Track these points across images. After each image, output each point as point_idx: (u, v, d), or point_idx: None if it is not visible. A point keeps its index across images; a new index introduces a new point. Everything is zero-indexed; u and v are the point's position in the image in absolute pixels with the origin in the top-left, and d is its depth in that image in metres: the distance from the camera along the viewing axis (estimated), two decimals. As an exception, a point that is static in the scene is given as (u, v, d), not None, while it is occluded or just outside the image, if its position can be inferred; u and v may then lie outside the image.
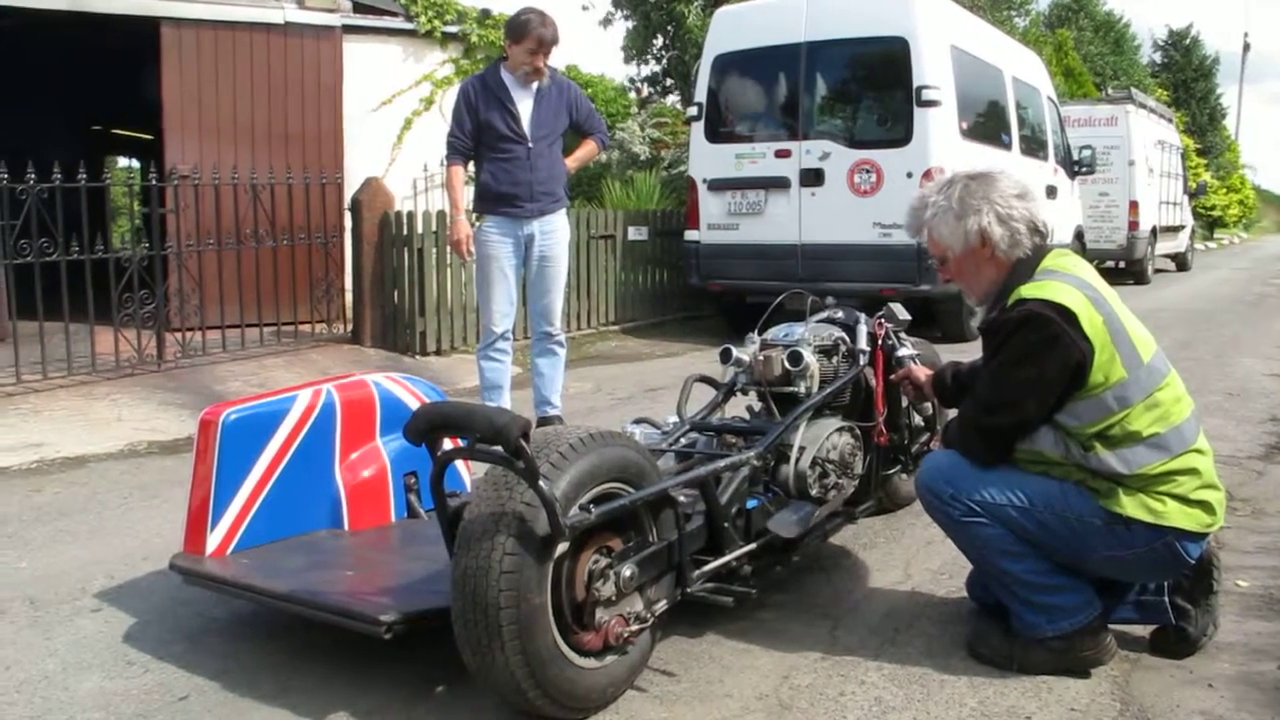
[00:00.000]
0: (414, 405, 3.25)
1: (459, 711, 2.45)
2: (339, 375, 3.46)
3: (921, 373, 3.26)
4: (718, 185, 8.95)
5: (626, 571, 2.38)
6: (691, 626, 2.87)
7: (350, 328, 8.17)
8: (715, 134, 9.11)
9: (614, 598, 2.36)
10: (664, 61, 15.94)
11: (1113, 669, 2.62)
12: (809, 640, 2.83)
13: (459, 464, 3.39)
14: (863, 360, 3.36)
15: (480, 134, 4.97)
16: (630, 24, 15.93)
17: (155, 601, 3.14)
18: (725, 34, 9.13)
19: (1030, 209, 2.66)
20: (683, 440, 3.23)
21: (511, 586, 2.18)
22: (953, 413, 3.09)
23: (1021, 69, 10.39)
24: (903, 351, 3.40)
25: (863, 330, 3.41)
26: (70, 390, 6.07)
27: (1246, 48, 41.63)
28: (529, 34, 4.83)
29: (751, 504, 2.90)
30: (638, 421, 3.32)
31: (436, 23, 9.80)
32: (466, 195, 5.22)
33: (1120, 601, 2.73)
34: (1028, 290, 2.54)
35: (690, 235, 9.20)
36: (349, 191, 8.17)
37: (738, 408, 3.54)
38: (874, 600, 3.13)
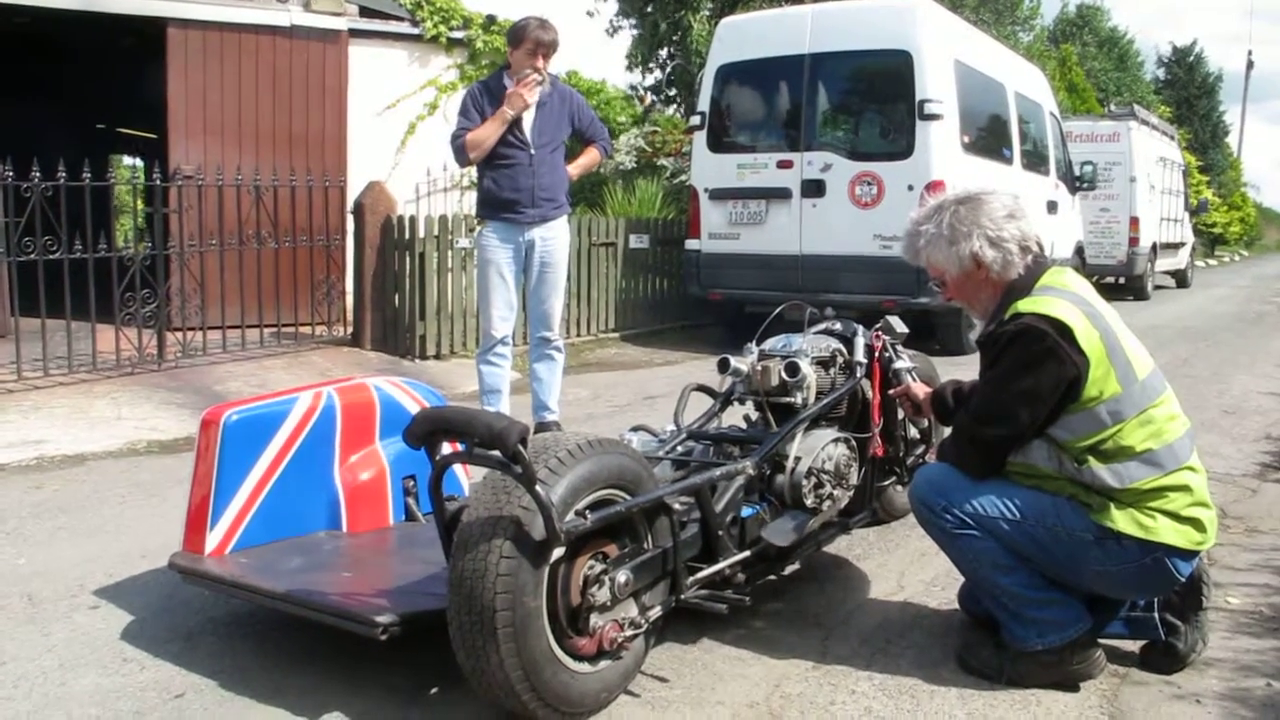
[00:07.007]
0: (413, 409, 3.26)
1: (453, 714, 2.46)
2: (339, 378, 3.48)
3: (921, 390, 3.27)
4: (719, 195, 8.98)
5: (621, 577, 2.40)
6: (685, 633, 2.89)
7: (350, 330, 8.19)
8: (718, 144, 9.14)
9: (609, 603, 2.39)
10: (667, 71, 15.97)
11: (1102, 683, 2.64)
12: (801, 649, 2.85)
13: (457, 468, 3.40)
14: (860, 372, 3.38)
15: (485, 138, 5.01)
16: (635, 32, 15.97)
17: (153, 599, 3.16)
18: (729, 44, 9.17)
19: (1022, 228, 2.67)
20: (679, 448, 3.25)
21: (507, 589, 2.20)
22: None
23: (1024, 84, 10.43)
24: (900, 364, 3.42)
25: (860, 342, 3.43)
26: (71, 388, 6.10)
27: (1250, 66, 41.72)
28: (527, 36, 4.90)
29: (747, 512, 2.92)
30: (635, 429, 3.33)
31: (442, 28, 9.84)
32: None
33: (1110, 616, 2.74)
34: (1024, 305, 2.58)
35: (691, 244, 9.24)
36: (352, 195, 8.20)
37: (735, 417, 3.56)
38: (866, 611, 3.15)
